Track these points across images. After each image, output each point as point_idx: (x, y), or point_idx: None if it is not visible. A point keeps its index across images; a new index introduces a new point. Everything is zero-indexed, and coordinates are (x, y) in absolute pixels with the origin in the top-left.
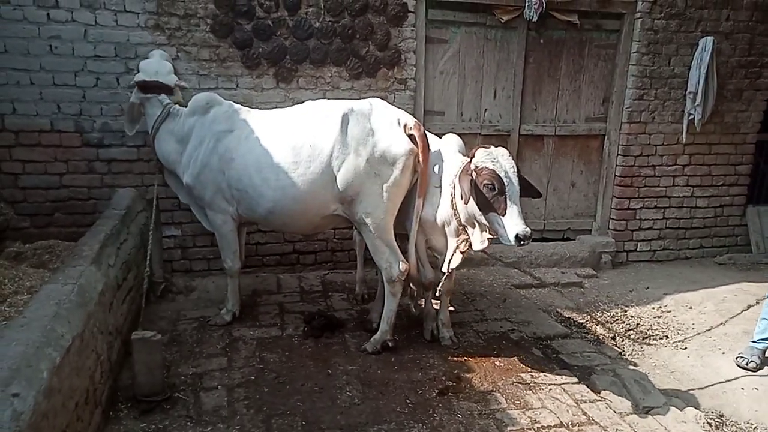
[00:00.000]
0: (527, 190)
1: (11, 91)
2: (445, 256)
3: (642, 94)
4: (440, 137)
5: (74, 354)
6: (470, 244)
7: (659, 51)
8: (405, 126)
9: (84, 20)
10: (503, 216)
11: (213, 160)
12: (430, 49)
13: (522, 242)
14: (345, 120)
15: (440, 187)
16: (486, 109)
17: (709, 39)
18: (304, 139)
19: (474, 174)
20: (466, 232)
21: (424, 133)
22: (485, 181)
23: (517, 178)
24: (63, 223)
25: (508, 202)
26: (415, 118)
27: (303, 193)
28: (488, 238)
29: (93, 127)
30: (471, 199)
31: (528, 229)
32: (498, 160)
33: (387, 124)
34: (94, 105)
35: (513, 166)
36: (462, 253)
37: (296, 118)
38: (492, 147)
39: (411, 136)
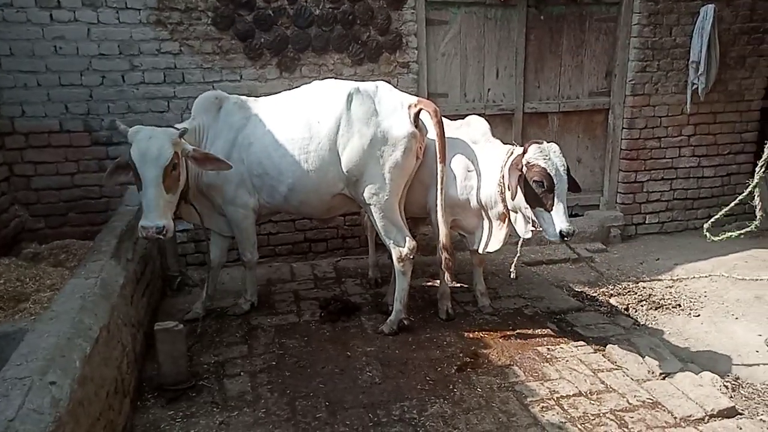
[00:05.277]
0: (570, 186)
1: (19, 93)
2: (474, 235)
3: (644, 66)
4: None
5: (102, 345)
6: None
7: (660, 21)
8: (410, 105)
9: (86, 19)
10: (549, 212)
11: (233, 152)
12: (431, 31)
13: (565, 238)
14: (350, 99)
15: (474, 171)
16: (489, 89)
17: (710, 7)
18: (314, 115)
19: (525, 169)
20: (509, 218)
21: (437, 109)
22: (535, 178)
23: (566, 176)
24: (77, 223)
25: (555, 199)
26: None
27: (316, 169)
28: (531, 230)
29: (101, 126)
30: (518, 192)
31: (572, 227)
32: (550, 157)
33: (390, 107)
34: (101, 103)
35: (563, 164)
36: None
37: (306, 96)
38: (545, 143)
39: (417, 114)
